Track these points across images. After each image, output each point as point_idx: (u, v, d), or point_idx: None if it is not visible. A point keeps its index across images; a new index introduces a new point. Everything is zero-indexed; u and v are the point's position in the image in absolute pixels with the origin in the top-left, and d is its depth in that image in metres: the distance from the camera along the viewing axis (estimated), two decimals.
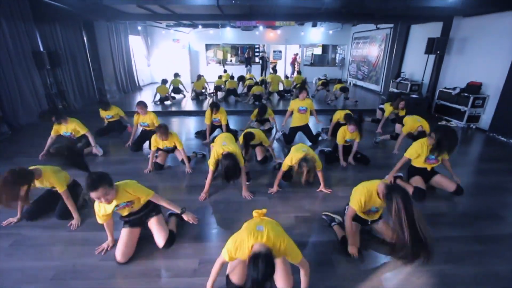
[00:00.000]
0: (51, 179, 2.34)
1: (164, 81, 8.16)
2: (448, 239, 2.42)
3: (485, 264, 2.14)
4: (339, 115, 4.65)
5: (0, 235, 2.40)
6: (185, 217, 2.25)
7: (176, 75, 8.82)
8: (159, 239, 2.18)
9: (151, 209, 2.25)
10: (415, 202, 2.69)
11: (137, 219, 2.21)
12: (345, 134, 3.70)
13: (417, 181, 3.01)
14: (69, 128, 3.89)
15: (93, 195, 1.79)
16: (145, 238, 2.26)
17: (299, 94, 4.49)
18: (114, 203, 1.97)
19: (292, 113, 4.58)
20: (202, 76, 8.89)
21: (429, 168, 3.03)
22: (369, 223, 2.33)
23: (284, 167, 2.95)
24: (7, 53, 5.16)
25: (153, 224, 2.23)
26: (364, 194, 2.06)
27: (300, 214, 2.74)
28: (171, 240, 2.21)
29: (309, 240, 2.37)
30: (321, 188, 3.10)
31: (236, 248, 1.55)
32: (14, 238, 2.36)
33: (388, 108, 5.18)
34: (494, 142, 5.06)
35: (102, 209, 2.00)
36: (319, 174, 3.06)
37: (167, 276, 2.00)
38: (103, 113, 4.84)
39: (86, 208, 2.77)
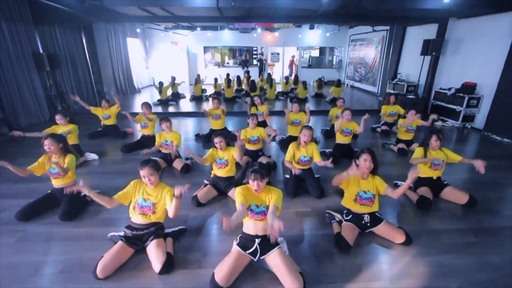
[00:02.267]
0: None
1: (161, 84, 8.19)
2: (446, 232, 2.49)
3: (480, 254, 2.21)
4: (335, 112, 4.97)
5: (6, 231, 2.43)
6: (176, 191, 2.00)
7: (174, 78, 8.78)
8: (156, 263, 1.96)
9: (156, 229, 2.16)
10: (421, 211, 2.77)
11: (139, 236, 2.12)
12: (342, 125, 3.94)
13: (424, 191, 2.89)
14: (66, 129, 3.88)
15: (141, 172, 2.06)
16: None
17: (292, 108, 4.54)
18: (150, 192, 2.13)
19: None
20: (200, 77, 8.98)
21: (435, 177, 2.95)
22: (365, 221, 2.34)
23: (288, 157, 3.07)
24: (7, 54, 5.19)
25: (152, 247, 2.05)
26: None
27: (300, 209, 2.81)
28: (169, 264, 1.98)
29: (311, 233, 2.44)
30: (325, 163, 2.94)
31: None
32: (20, 235, 2.39)
33: (384, 108, 5.34)
34: (488, 140, 5.17)
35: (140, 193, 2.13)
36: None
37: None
38: (100, 111, 4.87)
39: (92, 206, 2.81)
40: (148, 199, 2.11)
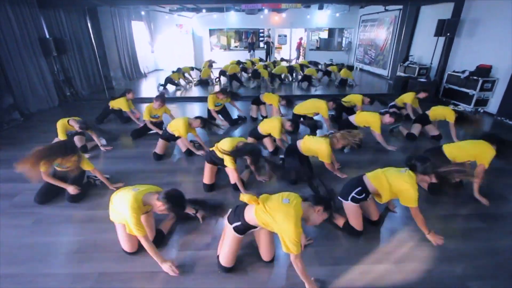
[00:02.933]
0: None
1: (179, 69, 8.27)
2: (452, 217, 2.50)
3: (486, 239, 2.22)
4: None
5: (22, 214, 2.54)
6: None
7: (179, 69, 8.63)
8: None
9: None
10: (427, 196, 2.77)
11: None
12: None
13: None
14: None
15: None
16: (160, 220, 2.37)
17: None
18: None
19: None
20: (211, 61, 9.06)
21: None
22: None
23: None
24: (14, 39, 5.20)
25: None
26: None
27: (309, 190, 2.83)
28: (158, 240, 2.04)
29: None
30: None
31: None
32: (36, 217, 2.50)
33: (408, 97, 4.84)
34: (501, 126, 5.03)
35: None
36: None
37: (181, 250, 2.12)
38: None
39: (103, 189, 2.89)
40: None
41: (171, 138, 3.58)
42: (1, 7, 4.92)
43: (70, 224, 2.41)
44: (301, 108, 4.30)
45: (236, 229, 1.79)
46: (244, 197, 1.72)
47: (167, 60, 11.62)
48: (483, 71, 5.48)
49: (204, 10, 10.53)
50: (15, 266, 1.97)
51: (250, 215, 1.72)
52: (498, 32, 5.37)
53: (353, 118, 3.84)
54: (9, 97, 5.06)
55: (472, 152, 2.64)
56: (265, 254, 1.96)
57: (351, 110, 4.74)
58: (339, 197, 2.27)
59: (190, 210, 2.36)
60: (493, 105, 5.57)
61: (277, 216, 1.59)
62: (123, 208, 1.77)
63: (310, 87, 8.02)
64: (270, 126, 3.48)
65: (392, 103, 5.07)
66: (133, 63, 9.73)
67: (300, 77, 8.42)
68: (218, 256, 1.94)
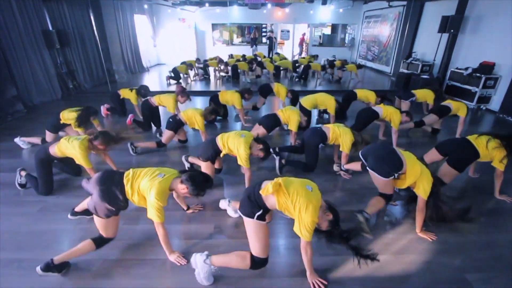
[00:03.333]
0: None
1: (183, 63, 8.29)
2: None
3: (485, 233, 2.25)
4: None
5: (28, 202, 2.58)
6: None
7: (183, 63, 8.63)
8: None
9: None
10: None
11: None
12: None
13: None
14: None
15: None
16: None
17: None
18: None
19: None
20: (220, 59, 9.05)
21: None
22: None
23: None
24: (18, 32, 5.21)
25: None
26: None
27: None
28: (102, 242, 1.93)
29: None
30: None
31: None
32: (41, 205, 2.54)
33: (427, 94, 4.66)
34: (503, 123, 5.03)
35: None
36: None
37: (185, 238, 2.16)
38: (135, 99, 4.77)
39: None
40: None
41: (178, 127, 3.59)
42: (5, 0, 4.92)
43: (74, 216, 2.44)
44: (308, 101, 4.30)
45: (259, 218, 1.68)
46: (268, 189, 1.62)
47: (170, 54, 11.60)
48: (486, 68, 5.46)
49: (207, 4, 10.45)
50: (22, 252, 2.01)
51: (272, 200, 1.66)
52: (501, 29, 5.34)
53: (380, 110, 3.74)
54: (12, 89, 5.09)
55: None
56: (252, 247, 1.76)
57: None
58: (376, 173, 2.17)
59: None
60: (496, 102, 5.56)
61: (299, 200, 1.58)
62: (148, 195, 1.78)
63: (312, 81, 8.05)
64: (291, 118, 3.51)
65: (413, 98, 4.62)
66: (135, 57, 9.74)
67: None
68: (251, 255, 1.73)
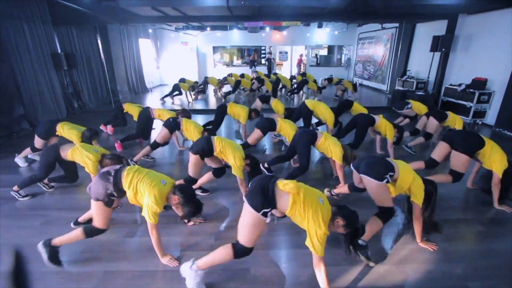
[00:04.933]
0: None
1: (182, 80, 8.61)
2: (453, 221, 2.53)
3: (486, 242, 2.25)
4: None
5: (31, 216, 2.61)
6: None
7: (183, 80, 8.91)
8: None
9: None
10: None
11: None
12: None
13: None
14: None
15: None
16: (164, 216, 2.43)
17: None
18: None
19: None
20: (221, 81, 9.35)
21: None
22: None
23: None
24: (28, 54, 5.45)
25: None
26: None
27: None
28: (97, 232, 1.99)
29: None
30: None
31: None
32: (44, 219, 2.56)
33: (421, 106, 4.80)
34: (500, 136, 5.11)
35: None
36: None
37: (185, 250, 2.16)
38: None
39: None
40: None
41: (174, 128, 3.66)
42: (17, 23, 5.21)
43: (77, 225, 2.46)
44: (312, 103, 4.53)
45: (264, 214, 1.62)
46: (288, 185, 1.60)
47: (172, 76, 11.98)
48: (479, 83, 5.64)
49: (208, 28, 10.97)
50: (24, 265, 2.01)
51: (285, 204, 1.60)
52: (491, 46, 5.58)
53: (378, 119, 3.81)
54: (19, 108, 5.25)
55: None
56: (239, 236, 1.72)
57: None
58: (368, 176, 2.07)
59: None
60: (491, 116, 5.68)
61: (310, 213, 1.56)
62: (146, 196, 1.84)
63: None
64: (288, 131, 3.59)
65: (409, 106, 4.84)
66: (139, 78, 10.06)
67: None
68: (236, 241, 1.71)
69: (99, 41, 7.46)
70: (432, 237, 2.27)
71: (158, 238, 1.93)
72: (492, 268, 1.99)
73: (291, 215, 1.64)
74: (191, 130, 3.52)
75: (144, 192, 1.85)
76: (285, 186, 1.60)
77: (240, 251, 1.67)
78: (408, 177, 2.07)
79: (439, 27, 6.85)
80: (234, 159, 2.60)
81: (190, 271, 1.75)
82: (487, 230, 2.42)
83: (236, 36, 12.17)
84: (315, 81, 8.88)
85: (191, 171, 2.71)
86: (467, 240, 2.28)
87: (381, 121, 3.77)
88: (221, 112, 4.66)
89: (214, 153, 2.67)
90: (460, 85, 6.05)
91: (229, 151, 2.63)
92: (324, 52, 14.60)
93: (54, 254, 1.95)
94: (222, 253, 1.70)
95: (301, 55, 14.25)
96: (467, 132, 2.72)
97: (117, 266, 2.01)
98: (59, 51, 6.23)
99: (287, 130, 3.58)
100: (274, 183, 1.65)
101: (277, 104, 5.06)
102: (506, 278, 1.90)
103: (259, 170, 2.77)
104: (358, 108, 4.74)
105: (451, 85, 6.40)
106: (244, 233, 1.66)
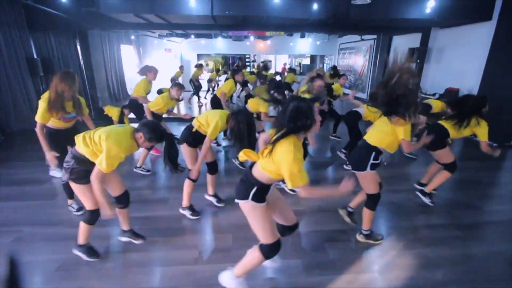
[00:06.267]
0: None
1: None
2: (430, 227, 2.63)
3: (464, 247, 2.34)
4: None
5: (1, 232, 2.43)
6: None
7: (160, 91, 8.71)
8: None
9: None
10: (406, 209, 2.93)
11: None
12: None
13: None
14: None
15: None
16: (145, 230, 2.35)
17: None
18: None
19: None
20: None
21: None
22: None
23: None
24: (1, 59, 5.19)
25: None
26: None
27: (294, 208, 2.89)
28: (126, 198, 2.12)
29: (305, 231, 2.53)
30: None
31: None
32: (15, 235, 2.40)
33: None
34: (472, 143, 5.39)
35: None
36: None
37: (167, 265, 2.09)
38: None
39: None
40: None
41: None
42: None
43: (51, 242, 2.33)
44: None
45: (255, 198, 1.55)
46: (246, 154, 1.58)
47: (155, 82, 11.76)
48: (452, 93, 5.97)
49: (192, 36, 10.95)
50: None
51: (259, 172, 1.55)
52: (462, 58, 5.97)
53: (362, 110, 3.89)
54: None
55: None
56: (288, 219, 1.79)
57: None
58: (353, 170, 2.18)
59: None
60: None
61: (276, 156, 1.44)
62: (103, 141, 1.74)
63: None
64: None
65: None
66: (120, 85, 9.82)
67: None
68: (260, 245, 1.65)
69: (78, 47, 7.23)
70: (412, 243, 2.35)
71: (101, 187, 1.79)
72: (470, 272, 2.06)
73: (277, 176, 1.52)
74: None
75: (102, 138, 1.75)
76: (242, 157, 1.59)
77: (266, 251, 1.63)
78: (384, 138, 2.15)
79: (414, 40, 7.24)
80: (212, 121, 2.42)
81: (236, 281, 1.76)
82: (463, 234, 2.52)
83: (221, 44, 12.22)
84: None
85: (188, 163, 2.65)
86: (445, 245, 2.36)
87: (366, 111, 3.77)
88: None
89: (193, 130, 2.52)
90: (434, 94, 6.38)
91: (210, 117, 2.46)
92: (307, 61, 14.96)
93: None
94: (254, 259, 1.67)
95: (285, 64, 14.52)
96: (432, 129, 2.81)
97: (94, 284, 1.92)
98: (35, 56, 5.97)
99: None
100: (248, 168, 1.64)
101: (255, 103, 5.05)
102: (484, 282, 1.98)
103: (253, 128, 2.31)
104: (337, 88, 5.32)
105: (426, 94, 6.73)
106: (258, 232, 1.62)
